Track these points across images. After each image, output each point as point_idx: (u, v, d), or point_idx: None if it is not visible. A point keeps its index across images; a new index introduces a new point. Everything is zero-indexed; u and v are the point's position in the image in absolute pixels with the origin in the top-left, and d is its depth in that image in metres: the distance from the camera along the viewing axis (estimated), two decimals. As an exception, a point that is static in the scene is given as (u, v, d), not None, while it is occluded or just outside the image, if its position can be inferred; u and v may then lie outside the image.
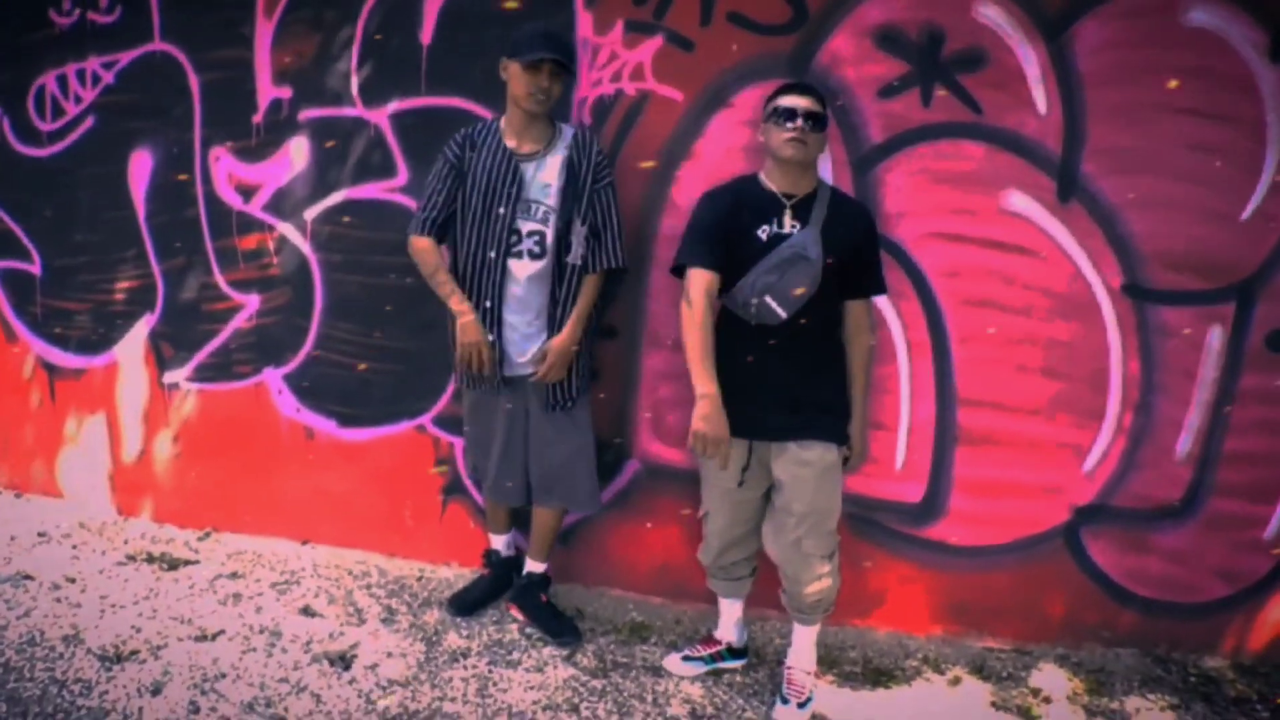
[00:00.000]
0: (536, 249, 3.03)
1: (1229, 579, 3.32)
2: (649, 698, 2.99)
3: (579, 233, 3.04)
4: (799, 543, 2.84)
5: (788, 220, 2.79)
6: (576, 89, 3.33)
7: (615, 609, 3.53)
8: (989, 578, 3.36)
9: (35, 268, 4.11)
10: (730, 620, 3.19)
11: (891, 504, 3.36)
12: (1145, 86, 3.03)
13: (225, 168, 3.75)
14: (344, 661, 3.07)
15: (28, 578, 3.53)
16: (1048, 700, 3.08)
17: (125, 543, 3.88)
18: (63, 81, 3.93)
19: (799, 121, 2.69)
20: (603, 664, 3.16)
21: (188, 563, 3.71)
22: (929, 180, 3.16)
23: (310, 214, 3.67)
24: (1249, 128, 3.02)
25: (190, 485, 4.02)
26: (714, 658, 3.16)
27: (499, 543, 3.53)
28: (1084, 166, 3.09)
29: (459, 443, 3.62)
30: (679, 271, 2.88)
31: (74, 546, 3.82)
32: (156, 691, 2.85)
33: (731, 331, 2.88)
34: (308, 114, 3.62)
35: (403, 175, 3.53)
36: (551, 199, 3.02)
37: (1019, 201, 3.14)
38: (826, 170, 3.15)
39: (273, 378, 3.82)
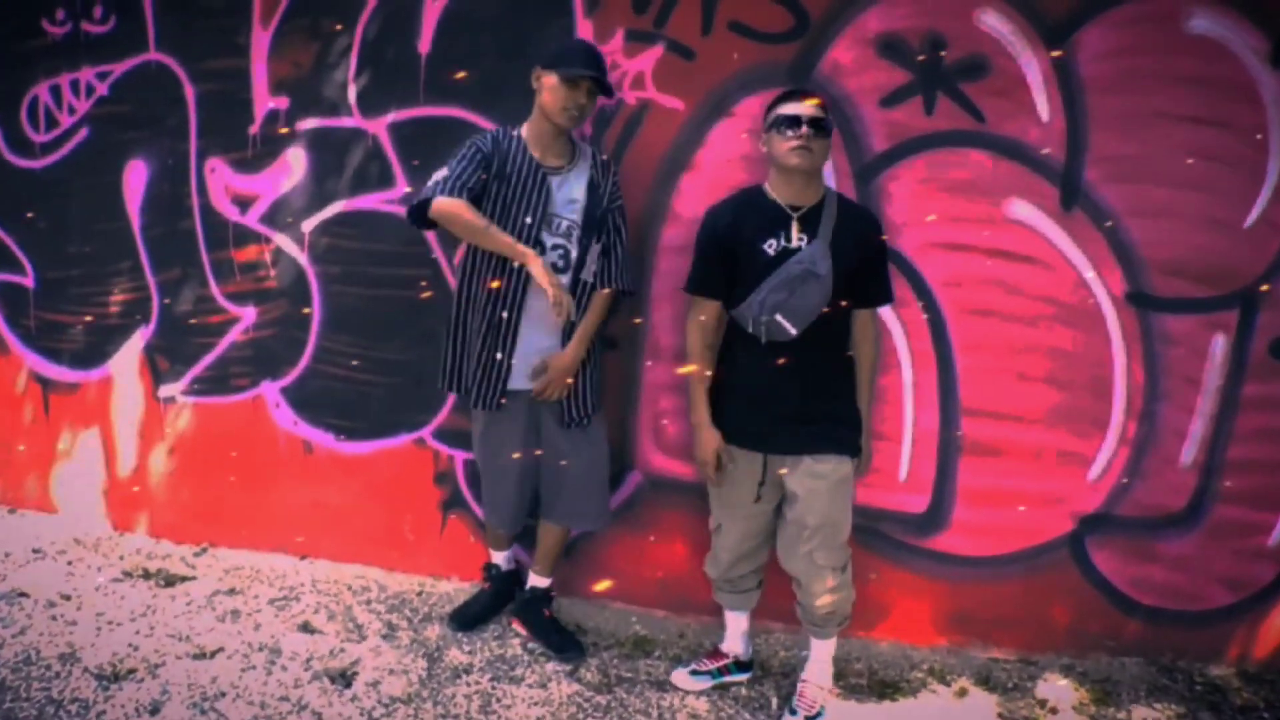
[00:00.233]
0: (561, 263, 3.00)
1: (1234, 587, 3.31)
2: (654, 713, 2.96)
3: (593, 251, 3.02)
4: (811, 555, 2.83)
5: (795, 233, 2.76)
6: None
7: (618, 622, 3.50)
8: (994, 588, 3.35)
9: (28, 280, 4.07)
10: (737, 633, 3.17)
11: (896, 514, 3.35)
12: (1147, 94, 3.03)
13: (221, 179, 3.72)
14: (345, 679, 3.04)
15: (23, 595, 3.48)
16: (1054, 711, 3.07)
17: (121, 559, 3.83)
18: (56, 92, 3.90)
19: (803, 129, 2.65)
20: (607, 679, 3.13)
21: (185, 579, 3.66)
22: (931, 189, 3.15)
23: (308, 225, 3.64)
24: (1251, 134, 3.02)
25: (186, 500, 3.98)
26: (720, 671, 3.13)
27: (499, 558, 3.50)
28: (1086, 174, 3.09)
29: (459, 455, 3.60)
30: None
31: (69, 563, 3.78)
32: (155, 711, 2.81)
33: (742, 346, 2.86)
34: (305, 124, 3.59)
35: (401, 186, 3.51)
36: (576, 215, 2.99)
37: (1022, 210, 3.13)
38: (831, 180, 3.14)
39: (270, 391, 3.78)
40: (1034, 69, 3.04)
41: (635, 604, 3.57)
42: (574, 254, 2.99)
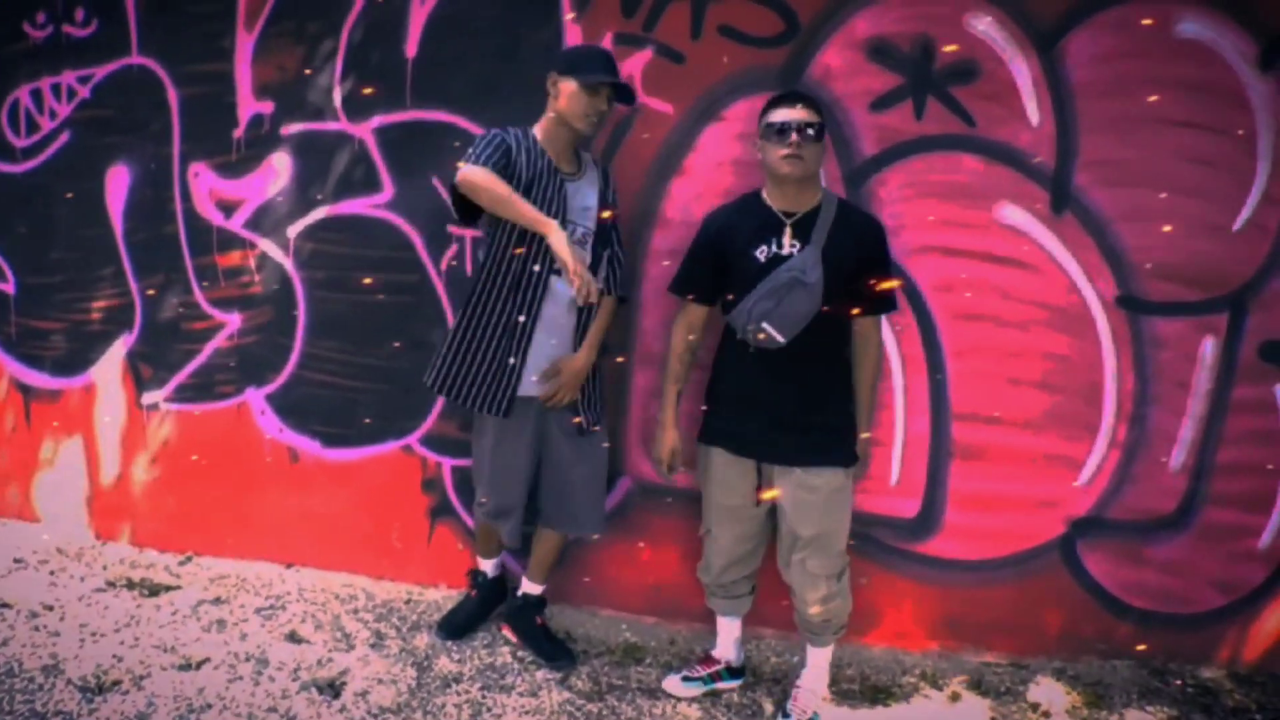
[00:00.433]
0: None
1: (1224, 589, 3.32)
2: (646, 721, 2.95)
3: (603, 258, 3.01)
4: (804, 563, 2.82)
5: (787, 240, 2.74)
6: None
7: (608, 629, 3.48)
8: (985, 592, 3.34)
9: (9, 286, 4.01)
10: (729, 639, 3.15)
11: (887, 519, 3.34)
12: (1137, 98, 3.03)
13: (205, 184, 3.68)
14: (333, 689, 3.00)
15: (5, 606, 3.42)
16: (1047, 715, 3.07)
17: (104, 568, 3.78)
18: (37, 96, 3.85)
19: (793, 136, 2.63)
20: (598, 687, 3.10)
21: (169, 588, 3.62)
22: (922, 194, 3.14)
23: (293, 230, 3.61)
24: (1240, 138, 3.03)
25: (170, 508, 3.93)
26: (712, 677, 3.11)
27: (487, 565, 3.46)
28: (1077, 178, 3.09)
29: (447, 462, 3.57)
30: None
31: (52, 573, 3.72)
32: (140, 724, 2.77)
33: (735, 351, 2.85)
34: (290, 128, 3.56)
35: (387, 190, 3.48)
36: (590, 222, 2.97)
37: (1012, 214, 3.12)
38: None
39: (255, 398, 3.74)
40: (1024, 73, 3.04)
41: (626, 611, 3.55)
42: (587, 261, 2.96)
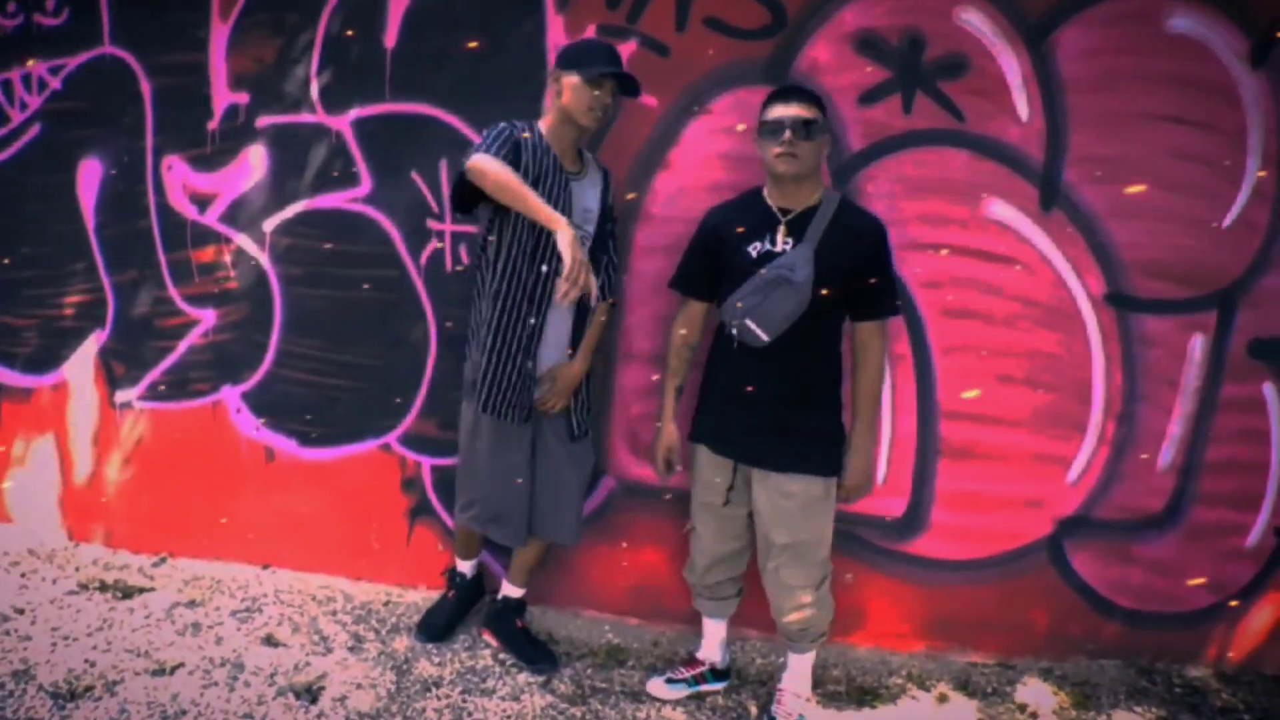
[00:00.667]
0: None
1: (1212, 588, 3.31)
2: (630, 725, 2.91)
3: (601, 263, 2.95)
4: (777, 571, 2.78)
5: (780, 237, 2.69)
6: (546, 95, 3.23)
7: (590, 631, 3.43)
8: (972, 592, 3.32)
9: (-23, 282, 3.92)
10: (714, 640, 3.11)
11: (873, 519, 3.31)
12: (1127, 93, 3.01)
13: (179, 177, 3.60)
14: (310, 694, 2.94)
15: (-26, 610, 3.35)
16: (1034, 715, 3.06)
17: (77, 570, 3.70)
18: (7, 87, 3.75)
19: (786, 134, 2.58)
20: (580, 690, 3.06)
21: (143, 590, 3.54)
22: (910, 189, 3.11)
23: (269, 225, 3.53)
24: (1230, 135, 3.02)
25: (145, 509, 3.85)
26: (697, 680, 3.07)
27: (465, 566, 3.41)
28: (1066, 174, 3.06)
29: (427, 461, 3.51)
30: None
31: (23, 575, 3.64)
32: (112, 732, 2.70)
33: (722, 349, 2.81)
34: (266, 120, 3.48)
35: (365, 184, 3.41)
36: (591, 226, 2.90)
37: (1001, 210, 3.09)
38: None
39: (231, 396, 3.67)
40: (1014, 68, 3.01)
41: (608, 612, 3.50)
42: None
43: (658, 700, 3.04)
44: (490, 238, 2.87)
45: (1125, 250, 3.09)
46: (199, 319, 3.67)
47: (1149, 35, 2.96)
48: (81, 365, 3.82)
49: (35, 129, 3.75)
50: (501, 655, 3.22)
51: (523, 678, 3.11)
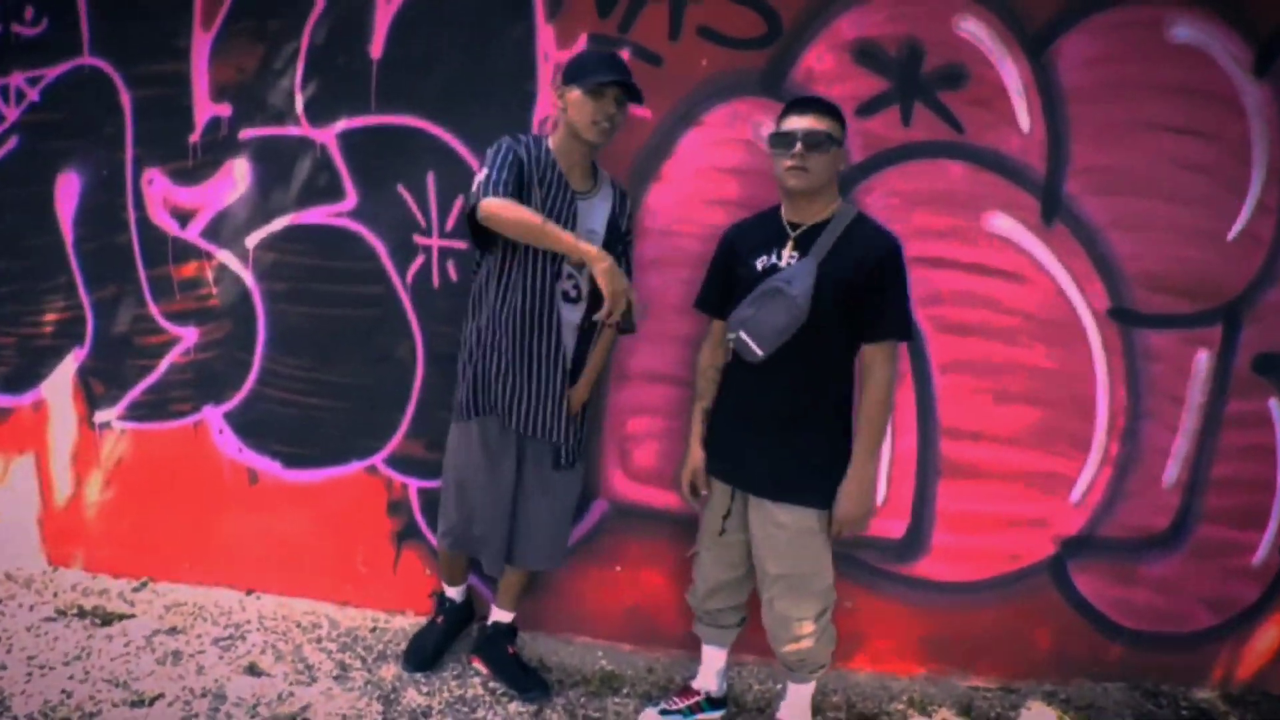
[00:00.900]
0: (574, 293, 2.86)
1: (1217, 608, 3.26)
2: (625, 756, 2.82)
3: None
4: (773, 603, 2.70)
5: (787, 251, 2.62)
6: (536, 107, 3.16)
7: (583, 658, 3.34)
8: (974, 614, 3.26)
9: (-47, 298, 3.83)
10: (712, 669, 3.01)
11: (873, 540, 3.24)
12: (1129, 103, 2.96)
13: (160, 191, 3.51)
14: (294, 726, 2.85)
15: (-54, 638, 3.25)
16: (1039, 741, 2.99)
17: (55, 595, 3.60)
18: (-17, 99, 3.67)
19: (796, 147, 2.50)
20: (574, 719, 2.97)
21: (123, 617, 3.44)
22: (909, 202, 3.05)
23: (252, 240, 3.45)
24: (1234, 145, 2.98)
25: (125, 532, 3.75)
26: (692, 709, 2.98)
27: (453, 592, 3.32)
28: (1067, 186, 3.01)
29: (414, 484, 3.42)
30: None
31: (-2, 601, 3.54)
32: (86, 768, 2.61)
33: (730, 368, 2.77)
34: (249, 133, 3.40)
35: (351, 198, 3.33)
36: (596, 245, 2.76)
37: (1002, 223, 3.03)
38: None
39: (213, 416, 3.57)
40: (1014, 77, 2.95)
41: (601, 638, 3.42)
42: (584, 289, 2.84)
43: (652, 732, 2.95)
44: (499, 260, 2.80)
45: (1128, 263, 3.04)
46: (180, 337, 3.57)
47: (1151, 44, 2.92)
48: (59, 384, 3.72)
49: (13, 141, 3.66)
50: (492, 684, 3.13)
51: (514, 707, 3.01)
